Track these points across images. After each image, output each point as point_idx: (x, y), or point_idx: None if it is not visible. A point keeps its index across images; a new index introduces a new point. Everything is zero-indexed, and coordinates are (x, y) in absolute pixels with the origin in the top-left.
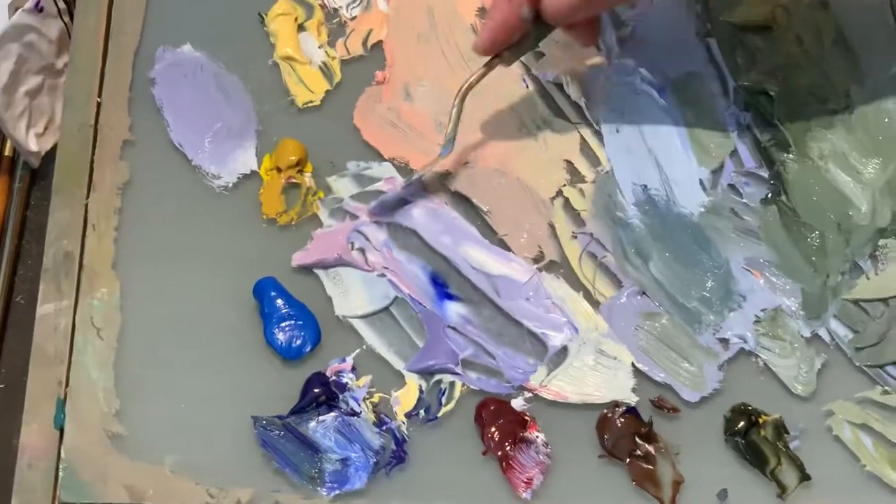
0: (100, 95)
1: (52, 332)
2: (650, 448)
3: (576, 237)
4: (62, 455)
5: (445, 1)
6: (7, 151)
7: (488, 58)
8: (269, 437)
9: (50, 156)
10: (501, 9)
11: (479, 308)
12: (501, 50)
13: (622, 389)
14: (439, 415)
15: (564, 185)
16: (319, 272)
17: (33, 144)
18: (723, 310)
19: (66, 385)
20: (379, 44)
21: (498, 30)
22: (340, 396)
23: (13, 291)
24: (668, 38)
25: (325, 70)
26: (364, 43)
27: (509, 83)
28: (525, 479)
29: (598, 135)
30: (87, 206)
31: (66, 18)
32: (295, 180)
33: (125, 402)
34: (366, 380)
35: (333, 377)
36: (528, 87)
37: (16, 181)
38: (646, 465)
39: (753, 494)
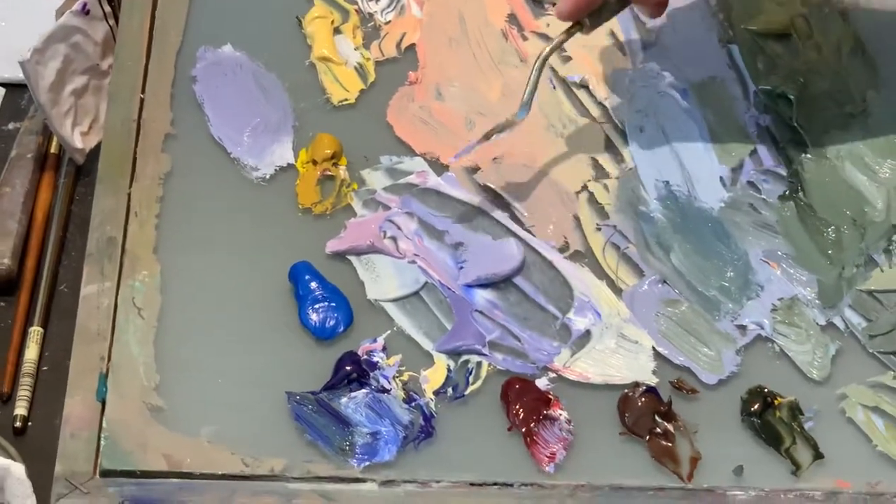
0: (143, 92)
1: (95, 311)
2: (669, 426)
3: (600, 229)
4: (104, 425)
5: (477, 8)
6: (53, 148)
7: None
8: (302, 411)
9: (94, 154)
10: None
11: (505, 293)
12: (583, 17)
13: (643, 371)
14: (466, 393)
15: (589, 181)
16: (352, 258)
17: (78, 142)
18: (741, 298)
19: (108, 360)
20: (412, 47)
21: None
22: (371, 374)
23: (57, 280)
24: (692, 43)
25: (360, 70)
26: (398, 45)
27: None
28: (548, 454)
29: (623, 134)
30: (129, 194)
31: (112, 21)
32: (330, 173)
33: (164, 377)
34: (396, 359)
35: (365, 356)
36: (555, 88)
37: (61, 177)
38: (665, 443)
39: (768, 471)
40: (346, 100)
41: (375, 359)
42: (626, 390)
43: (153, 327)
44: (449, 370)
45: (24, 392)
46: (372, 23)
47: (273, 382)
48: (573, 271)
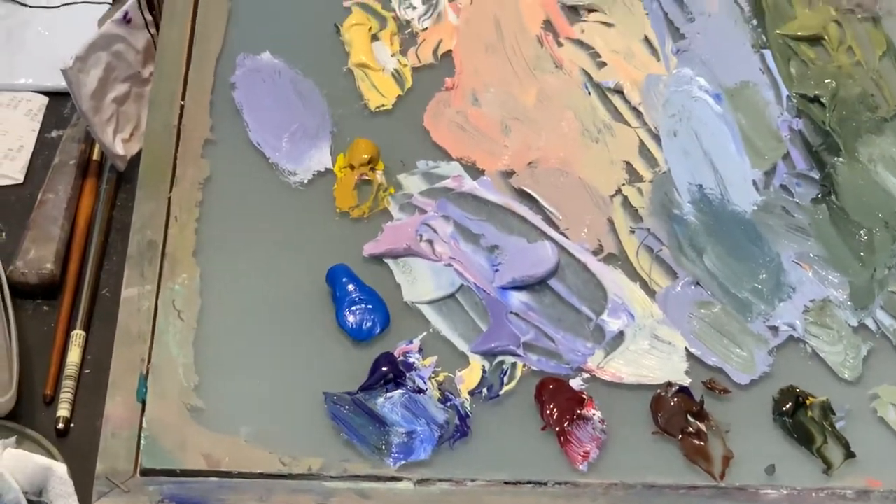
0: (183, 98)
1: (135, 314)
2: (702, 426)
3: (633, 232)
4: (144, 425)
5: (513, 15)
6: (95, 155)
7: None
8: (339, 411)
9: (135, 161)
10: None
11: (539, 295)
12: None
13: (676, 372)
14: (501, 393)
15: (623, 184)
16: (389, 261)
17: (120, 148)
18: (773, 300)
19: (149, 361)
20: (449, 53)
21: None
22: (407, 375)
23: (99, 284)
24: (725, 49)
25: (397, 77)
26: (435, 52)
27: (572, 90)
28: (582, 453)
29: (656, 138)
30: (170, 199)
31: (153, 30)
32: (367, 177)
33: (204, 378)
34: (432, 360)
35: (401, 357)
36: (589, 93)
37: (103, 183)
38: (697, 442)
39: (800, 470)
40: (383, 105)
41: (411, 360)
42: (658, 390)
43: (192, 329)
44: (484, 371)
45: (66, 394)
46: (409, 30)
47: (310, 383)
48: (607, 273)
